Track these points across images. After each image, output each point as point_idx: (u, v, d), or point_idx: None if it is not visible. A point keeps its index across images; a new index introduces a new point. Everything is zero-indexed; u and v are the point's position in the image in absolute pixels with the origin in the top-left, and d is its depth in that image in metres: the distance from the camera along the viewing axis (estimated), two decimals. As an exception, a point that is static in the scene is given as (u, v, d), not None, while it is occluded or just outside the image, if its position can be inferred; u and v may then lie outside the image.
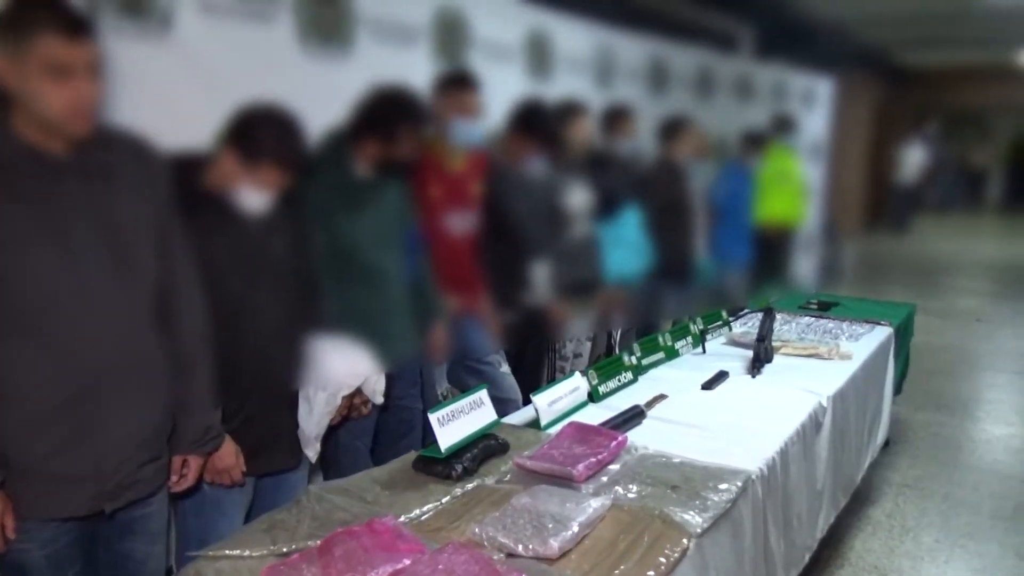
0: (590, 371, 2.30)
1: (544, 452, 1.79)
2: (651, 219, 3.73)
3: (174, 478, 1.66)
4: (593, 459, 1.73)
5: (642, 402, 2.26)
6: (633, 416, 2.09)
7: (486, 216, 2.80)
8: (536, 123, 2.83)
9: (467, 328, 2.70)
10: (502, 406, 2.56)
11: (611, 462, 1.78)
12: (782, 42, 6.41)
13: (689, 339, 2.85)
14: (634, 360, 2.52)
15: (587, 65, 3.73)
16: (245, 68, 2.08)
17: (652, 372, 2.58)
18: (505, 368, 2.75)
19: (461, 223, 2.58)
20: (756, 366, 2.54)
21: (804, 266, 6.88)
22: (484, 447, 1.78)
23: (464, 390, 2.76)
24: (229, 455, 1.77)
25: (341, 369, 1.92)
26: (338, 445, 2.24)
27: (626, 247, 3.57)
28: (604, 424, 2.01)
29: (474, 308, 2.70)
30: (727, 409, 2.23)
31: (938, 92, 13.41)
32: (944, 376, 4.86)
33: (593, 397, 2.28)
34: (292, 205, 1.92)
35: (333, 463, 2.29)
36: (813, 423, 2.23)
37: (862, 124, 11.85)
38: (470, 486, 1.68)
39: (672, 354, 2.74)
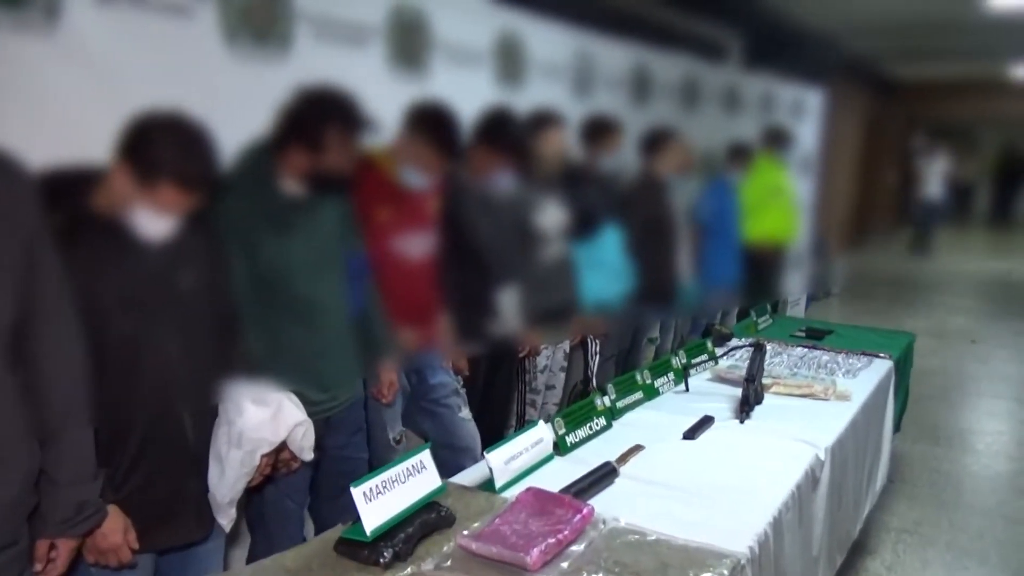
0: (556, 419, 2.02)
1: (494, 529, 1.50)
2: (632, 239, 3.46)
3: (38, 566, 1.36)
4: (552, 539, 1.45)
5: (616, 455, 1.98)
6: (604, 476, 1.81)
7: (446, 237, 2.52)
8: (503, 134, 2.55)
9: (424, 362, 2.42)
10: (458, 456, 2.28)
11: (574, 541, 1.49)
12: (771, 51, 6.18)
13: (671, 376, 2.58)
14: (608, 402, 2.24)
15: (564, 72, 3.46)
16: (154, 69, 1.79)
17: (629, 415, 2.30)
18: (465, 413, 2.47)
19: (417, 246, 2.30)
20: (745, 410, 2.27)
21: (794, 285, 6.65)
22: (422, 523, 1.49)
23: (421, 434, 2.48)
24: (115, 531, 1.47)
25: (259, 422, 1.62)
26: (265, 505, 1.94)
27: (605, 269, 3.29)
28: (571, 486, 1.73)
29: (432, 340, 2.41)
30: (712, 464, 1.95)
31: (926, 104, 13.27)
32: (939, 403, 4.61)
33: (560, 449, 1.99)
34: (205, 229, 1.64)
35: (260, 525, 2.00)
36: (810, 481, 1.96)
37: (852, 136, 11.67)
38: (403, 575, 1.39)
39: (652, 393, 2.46)
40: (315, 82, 1.81)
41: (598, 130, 3.24)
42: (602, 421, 2.16)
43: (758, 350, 2.44)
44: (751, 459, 1.99)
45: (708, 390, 2.56)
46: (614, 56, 3.86)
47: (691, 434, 2.12)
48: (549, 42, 3.34)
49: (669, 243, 3.69)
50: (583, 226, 3.24)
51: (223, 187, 1.74)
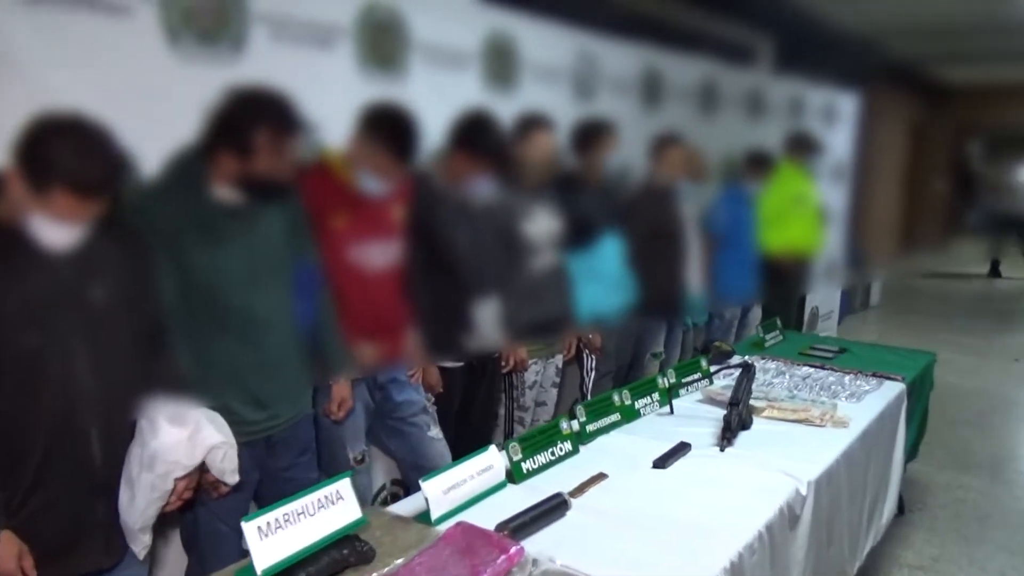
0: (512, 443, 1.88)
1: (409, 569, 1.37)
2: (635, 249, 3.30)
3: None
4: (469, 584, 1.31)
5: (576, 484, 1.84)
6: (552, 509, 1.66)
7: (420, 247, 2.40)
8: (481, 138, 2.43)
9: (388, 379, 2.30)
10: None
11: (495, 586, 1.36)
12: (804, 55, 5.95)
13: (655, 396, 2.41)
14: (575, 427, 2.09)
15: (563, 75, 3.32)
16: (87, 71, 1.70)
17: (601, 440, 2.14)
18: (434, 432, 2.34)
19: (379, 255, 2.18)
20: (726, 437, 2.09)
21: (826, 297, 6.38)
22: (331, 561, 1.37)
23: (388, 453, 2.37)
24: (8, 558, 1.38)
25: (174, 443, 1.52)
26: (199, 528, 1.84)
27: (603, 281, 3.14)
28: (511, 520, 1.58)
29: (398, 355, 2.29)
30: (677, 497, 1.79)
31: (980, 110, 12.75)
32: (973, 428, 4.33)
33: (514, 476, 1.85)
34: (125, 238, 1.55)
35: (195, 549, 1.89)
36: (785, 519, 1.78)
37: (896, 143, 11.25)
38: (298, 619, 1.27)
39: (631, 415, 2.30)
40: (247, 82, 1.71)
41: (591, 134, 3.10)
42: (567, 446, 2.01)
43: (746, 372, 2.27)
44: (723, 493, 1.82)
45: (695, 413, 2.39)
46: (621, 58, 3.70)
47: (661, 463, 1.96)
48: (546, 44, 3.21)
49: (675, 253, 3.51)
50: (579, 235, 3.09)
51: (151, 194, 1.65)
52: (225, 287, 1.74)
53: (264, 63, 2.06)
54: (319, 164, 2.09)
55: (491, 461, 1.80)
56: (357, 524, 1.47)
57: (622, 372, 3.40)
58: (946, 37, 7.66)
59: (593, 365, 3.15)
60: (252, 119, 1.65)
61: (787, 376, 2.78)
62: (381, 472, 2.49)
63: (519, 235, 2.80)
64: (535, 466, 1.90)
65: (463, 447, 2.46)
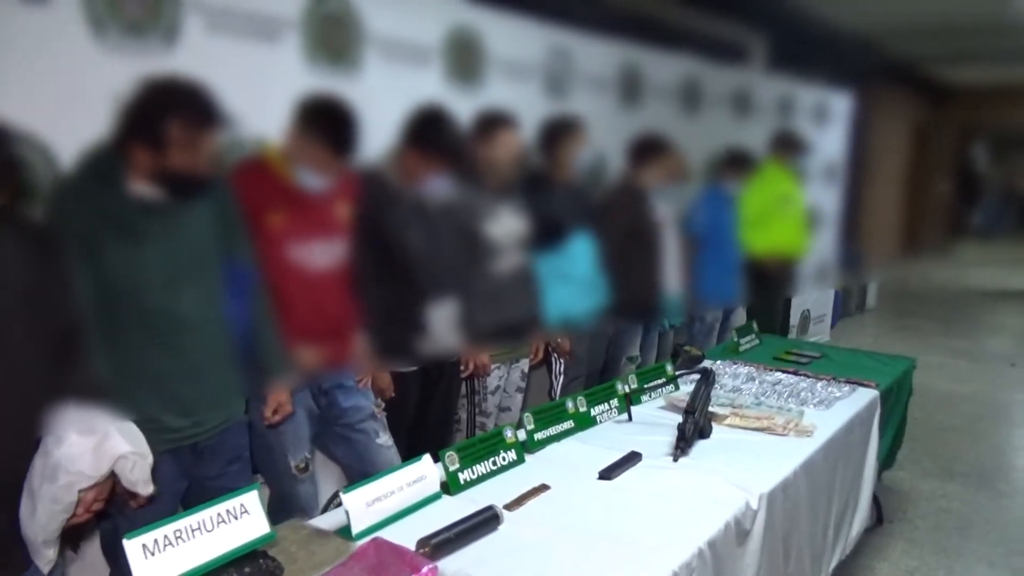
0: (448, 453, 1.79)
1: (312, 589, 1.29)
2: (609, 250, 3.22)
3: None
4: (370, 606, 1.23)
5: (515, 496, 1.75)
6: (481, 523, 1.58)
7: (370, 247, 2.32)
8: (434, 135, 2.34)
9: (334, 384, 2.22)
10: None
11: (401, 607, 1.27)
12: (801, 54, 5.86)
13: (614, 403, 2.32)
14: (522, 436, 2.00)
15: (534, 71, 3.24)
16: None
17: (551, 449, 2.06)
18: (383, 439, 2.26)
19: (322, 255, 2.10)
20: (680, 447, 2.00)
21: (817, 299, 6.27)
22: (228, 580, 1.29)
23: (335, 461, 2.29)
24: None
25: (77, 454, 1.44)
26: (118, 538, 1.75)
27: (573, 282, 3.05)
28: (434, 535, 1.50)
29: (344, 359, 2.21)
30: (620, 511, 1.71)
31: (984, 111, 12.59)
32: (961, 434, 4.22)
33: (450, 487, 1.77)
34: (28, 239, 1.47)
35: (114, 561, 1.82)
36: (732, 534, 1.69)
37: (899, 144, 11.12)
38: (185, 643, 1.19)
39: (586, 423, 2.21)
40: (160, 73, 1.63)
41: (558, 131, 3.01)
42: (511, 455, 1.93)
43: (704, 378, 2.18)
44: (667, 506, 1.73)
45: (656, 420, 2.30)
46: (598, 54, 3.62)
47: (608, 474, 1.87)
48: (515, 38, 3.13)
49: (651, 254, 3.43)
50: (547, 235, 3.01)
51: (65, 191, 1.58)
52: (145, 288, 1.66)
53: (200, 56, 1.99)
54: (256, 159, 2.01)
55: (424, 471, 1.72)
56: (264, 540, 1.39)
57: (595, 377, 3.31)
58: (947, 37, 7.54)
59: (562, 369, 3.06)
60: (164, 111, 1.57)
61: (756, 382, 2.68)
62: (332, 480, 2.41)
63: (481, 236, 2.72)
64: (474, 476, 1.82)
65: (418, 455, 2.38)
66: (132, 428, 1.56)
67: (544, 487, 1.80)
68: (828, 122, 5.87)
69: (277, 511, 2.17)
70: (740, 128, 4.74)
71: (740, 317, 4.64)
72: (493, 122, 2.68)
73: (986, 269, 11.21)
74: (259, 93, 2.10)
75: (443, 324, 2.49)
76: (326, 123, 1.92)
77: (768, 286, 4.44)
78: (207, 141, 1.63)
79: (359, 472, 2.27)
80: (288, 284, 2.03)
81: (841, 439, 2.29)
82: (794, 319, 5.93)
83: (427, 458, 1.74)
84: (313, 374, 2.09)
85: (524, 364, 2.98)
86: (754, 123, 4.83)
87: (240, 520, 1.35)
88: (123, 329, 1.66)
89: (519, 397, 2.99)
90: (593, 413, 2.26)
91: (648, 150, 3.30)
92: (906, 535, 3.06)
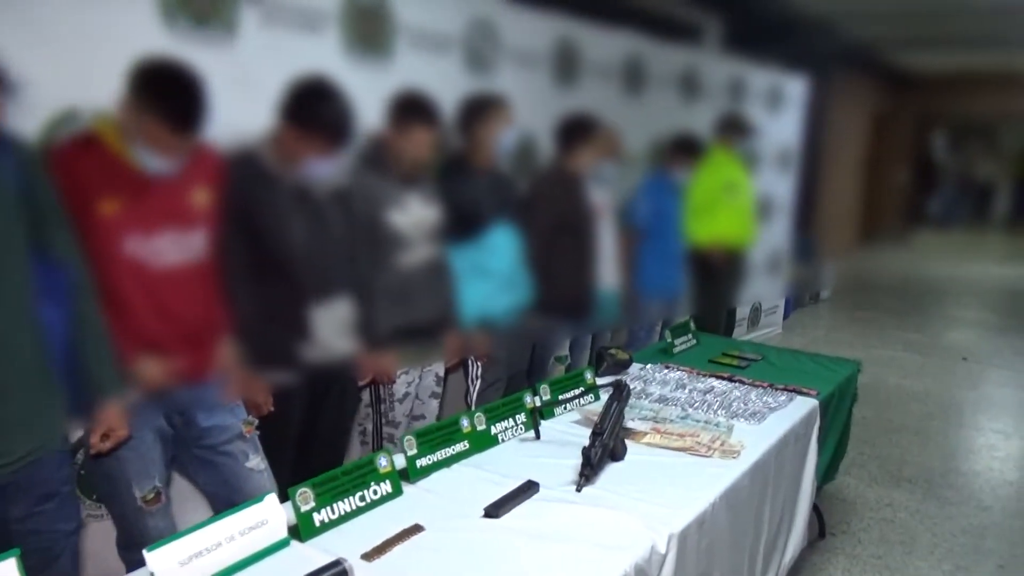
0: (300, 489, 1.50)
1: None
2: (536, 242, 2.94)
3: None
4: None
5: (382, 539, 1.48)
6: (324, 581, 1.30)
7: (241, 240, 2.02)
8: (315, 111, 2.04)
9: (191, 399, 1.91)
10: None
11: None
12: (756, 35, 5.62)
13: (521, 418, 2.05)
14: (400, 462, 1.72)
15: (451, 43, 2.93)
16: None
17: (438, 477, 1.78)
18: (254, 462, 1.96)
19: (172, 249, 1.79)
20: (584, 474, 1.74)
21: (767, 290, 6.07)
22: None
23: (197, 487, 1.99)
24: None
25: None
26: None
27: (492, 277, 2.78)
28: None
29: (204, 370, 1.91)
30: (501, 557, 1.44)
31: (943, 99, 12.52)
32: (911, 435, 4.04)
33: (301, 532, 1.48)
34: None
35: None
36: (632, 588, 1.43)
37: (857, 132, 10.99)
38: None
39: (486, 443, 1.94)
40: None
41: (477, 109, 2.72)
42: (385, 488, 1.65)
43: (616, 394, 1.91)
44: (560, 551, 1.47)
45: (567, 438, 2.03)
46: (527, 28, 3.32)
47: (495, 510, 1.60)
48: (430, 6, 2.82)
49: (583, 246, 3.16)
50: (463, 226, 2.72)
51: None
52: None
53: (62, 18, 1.67)
54: (87, 135, 1.70)
55: (265, 515, 1.43)
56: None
57: (519, 380, 3.04)
58: (907, 20, 7.37)
59: (479, 373, 2.79)
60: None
61: (687, 390, 2.43)
62: (202, 510, 2.10)
63: (383, 226, 2.43)
64: (333, 516, 1.53)
65: (306, 476, 2.09)
66: None
67: (417, 528, 1.53)
68: (782, 106, 5.65)
69: (125, 548, 1.88)
70: (687, 111, 4.49)
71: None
72: (410, 113, 2.38)
73: (943, 258, 11.20)
74: (108, 57, 1.78)
75: (332, 327, 2.20)
76: (160, 93, 1.61)
77: (714, 278, 4.21)
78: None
79: (226, 501, 1.97)
80: (125, 284, 1.73)
81: (772, 458, 2.05)
82: (744, 311, 5.73)
83: (271, 499, 1.45)
84: (159, 390, 1.78)
85: (439, 368, 2.70)
86: (703, 106, 4.58)
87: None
88: None
89: (434, 404, 2.71)
90: (495, 431, 1.98)
91: (577, 131, 3.02)
92: (848, 550, 2.85)
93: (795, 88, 5.72)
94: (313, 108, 2.04)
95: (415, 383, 2.62)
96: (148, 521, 1.84)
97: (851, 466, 3.57)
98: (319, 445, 2.31)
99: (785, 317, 6.53)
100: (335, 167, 2.13)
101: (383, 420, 2.58)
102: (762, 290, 5.91)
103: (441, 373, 2.73)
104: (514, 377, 2.95)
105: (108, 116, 1.68)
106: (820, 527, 2.91)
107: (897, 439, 3.97)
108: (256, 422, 2.02)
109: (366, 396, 2.59)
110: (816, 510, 2.90)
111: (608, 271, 3.34)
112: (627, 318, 3.77)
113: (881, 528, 3.03)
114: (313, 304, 2.15)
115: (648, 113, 4.15)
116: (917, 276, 9.72)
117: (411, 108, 2.40)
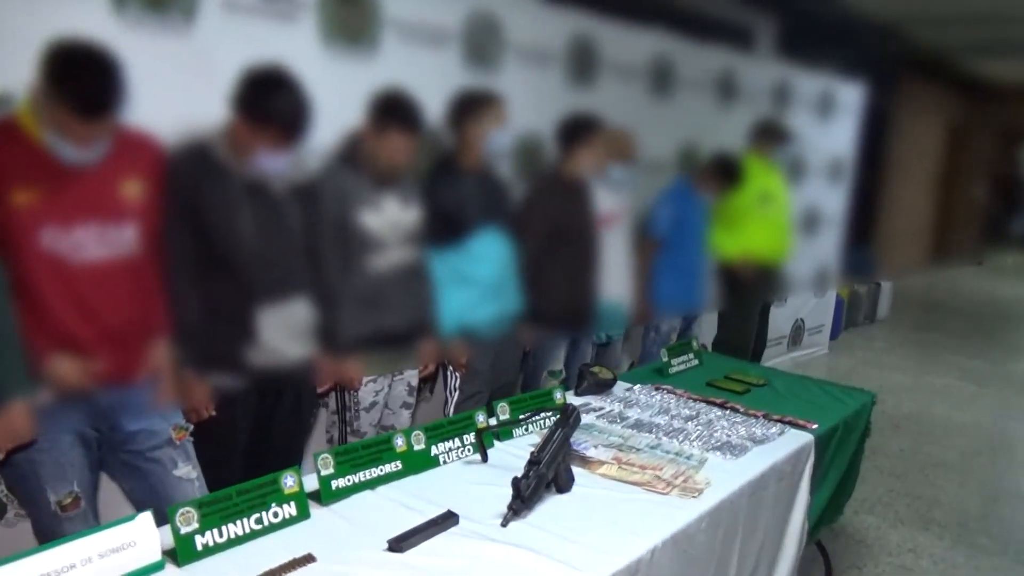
0: (182, 509, 1.39)
1: None
2: (530, 249, 2.78)
3: None
4: None
5: (268, 567, 1.35)
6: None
7: (186, 235, 1.93)
8: (266, 102, 1.93)
9: (116, 402, 1.82)
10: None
11: None
12: (813, 40, 5.35)
13: (470, 438, 1.90)
14: (314, 482, 1.59)
15: (454, 39, 2.80)
16: None
17: (356, 500, 1.64)
18: (184, 470, 1.86)
19: (96, 243, 1.71)
20: (513, 508, 1.57)
21: (814, 307, 5.75)
22: None
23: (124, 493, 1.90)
24: None
25: None
26: None
27: (475, 285, 2.63)
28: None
29: (130, 371, 1.81)
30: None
31: (1027, 111, 11.77)
32: (950, 472, 3.71)
33: (179, 555, 1.36)
34: None
35: None
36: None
37: (930, 143, 10.42)
38: None
39: (423, 464, 1.80)
40: None
41: (468, 105, 2.58)
42: (289, 509, 1.52)
43: (562, 420, 1.74)
44: (454, 598, 1.31)
45: (517, 464, 1.85)
46: (539, 25, 3.16)
47: (400, 543, 1.45)
48: (425, 3, 2.70)
49: (582, 255, 2.98)
50: (447, 230, 2.59)
51: None
52: None
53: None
54: (5, 120, 1.62)
55: (134, 535, 1.31)
56: None
57: (509, 392, 2.88)
58: (979, 25, 6.91)
59: (457, 385, 2.64)
60: None
61: (669, 416, 2.23)
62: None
63: (355, 227, 2.31)
64: (221, 539, 1.41)
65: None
66: None
67: (308, 559, 1.39)
68: (834, 113, 5.33)
69: (44, 551, 1.79)
70: (723, 116, 4.25)
71: (709, 328, 4.18)
72: (389, 115, 2.26)
73: (1022, 280, 10.50)
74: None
75: (283, 329, 2.09)
76: (66, 77, 1.51)
77: (742, 294, 3.96)
78: None
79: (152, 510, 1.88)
80: (40, 278, 1.64)
81: (745, 499, 1.84)
82: (786, 328, 5.43)
83: (144, 517, 1.34)
84: (74, 391, 1.70)
85: (413, 377, 2.57)
86: (740, 111, 4.33)
87: None
88: None
89: (406, 414, 2.58)
90: (436, 452, 1.83)
91: (576, 132, 2.85)
92: (855, 599, 2.60)
93: (850, 95, 5.40)
94: (266, 99, 1.93)
95: (384, 392, 2.49)
96: (66, 527, 1.76)
97: (876, 504, 3.30)
98: (273, 455, 2.20)
99: (834, 337, 6.17)
100: (289, 162, 2.02)
101: (348, 429, 2.46)
102: (806, 306, 5.60)
103: (414, 383, 2.59)
104: (500, 391, 2.78)
105: (27, 102, 1.60)
106: (827, 570, 2.67)
107: (934, 476, 3.65)
108: (190, 428, 1.92)
109: (333, 403, 2.48)
110: (823, 551, 2.67)
111: (616, 281, 3.16)
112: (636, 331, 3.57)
113: (896, 573, 2.76)
114: (264, 304, 2.04)
115: (676, 116, 3.94)
116: (990, 298, 9.13)
117: (390, 110, 2.28)
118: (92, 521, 1.82)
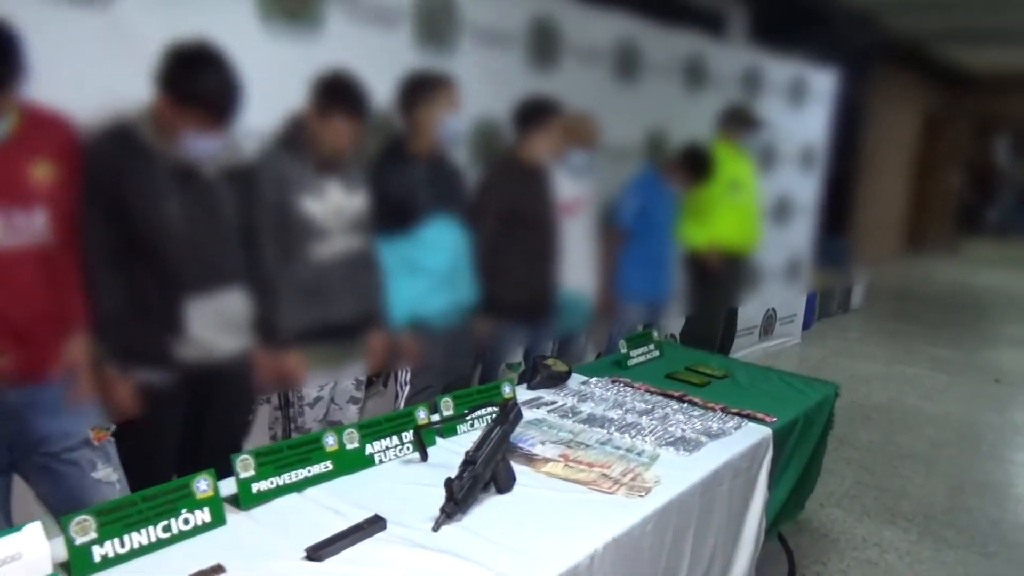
0: (77, 518, 1.28)
1: None
2: (484, 237, 2.68)
3: None
4: None
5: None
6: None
7: (106, 221, 1.81)
8: (189, 80, 1.81)
9: (24, 401, 1.70)
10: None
11: None
12: (785, 27, 5.28)
13: (408, 436, 1.80)
14: (233, 486, 1.49)
15: (399, 14, 2.68)
16: None
17: (279, 504, 1.54)
18: (103, 472, 1.74)
19: (2, 231, 1.58)
20: (445, 510, 1.48)
21: (784, 297, 5.70)
22: None
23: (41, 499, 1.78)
24: None
25: None
26: None
27: (426, 275, 2.53)
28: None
29: (40, 368, 1.69)
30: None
31: (1005, 101, 11.79)
32: (918, 463, 3.66)
33: (71, 569, 1.25)
34: None
35: None
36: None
37: (905, 132, 10.39)
38: None
39: (356, 465, 1.69)
40: None
41: (418, 88, 2.46)
42: (202, 516, 1.41)
43: (502, 418, 1.64)
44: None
45: (458, 463, 1.76)
46: (497, 5, 3.05)
47: (318, 551, 1.35)
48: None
49: (542, 244, 2.88)
50: (396, 218, 2.48)
51: None
52: None
53: None
54: None
55: (20, 547, 1.20)
56: None
57: (466, 384, 2.78)
58: (955, 11, 6.86)
59: (407, 379, 2.54)
60: None
61: (623, 410, 2.14)
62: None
63: (296, 213, 2.20)
64: (122, 550, 1.30)
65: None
66: None
67: (217, 570, 1.29)
68: (806, 101, 5.26)
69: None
70: (690, 101, 4.17)
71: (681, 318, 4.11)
72: (332, 99, 2.15)
73: (996, 270, 10.54)
74: None
75: (213, 321, 1.98)
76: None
77: (710, 284, 3.88)
78: None
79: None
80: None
81: (696, 497, 1.76)
82: (757, 318, 5.37)
83: (32, 528, 1.22)
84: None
85: (360, 371, 2.46)
86: (709, 97, 4.25)
87: None
88: None
89: (353, 409, 2.48)
90: (371, 451, 1.73)
91: (531, 115, 2.74)
92: (818, 594, 2.53)
93: (822, 82, 5.32)
94: (191, 77, 1.81)
95: (329, 386, 2.39)
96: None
97: (843, 497, 3.24)
98: (208, 455, 2.08)
99: (807, 327, 6.13)
100: (219, 144, 1.90)
101: (292, 426, 2.35)
102: (775, 296, 5.54)
103: (362, 377, 2.49)
104: (454, 384, 2.68)
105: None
106: (790, 566, 2.60)
107: (901, 468, 3.60)
108: (111, 428, 1.80)
109: (275, 398, 2.37)
110: (786, 547, 2.60)
111: (578, 271, 3.06)
112: (600, 322, 3.47)
113: (862, 570, 2.70)
114: (192, 295, 1.93)
115: (643, 102, 3.85)
116: (963, 288, 9.13)
117: (334, 93, 2.17)
118: (3, 527, 1.70)
